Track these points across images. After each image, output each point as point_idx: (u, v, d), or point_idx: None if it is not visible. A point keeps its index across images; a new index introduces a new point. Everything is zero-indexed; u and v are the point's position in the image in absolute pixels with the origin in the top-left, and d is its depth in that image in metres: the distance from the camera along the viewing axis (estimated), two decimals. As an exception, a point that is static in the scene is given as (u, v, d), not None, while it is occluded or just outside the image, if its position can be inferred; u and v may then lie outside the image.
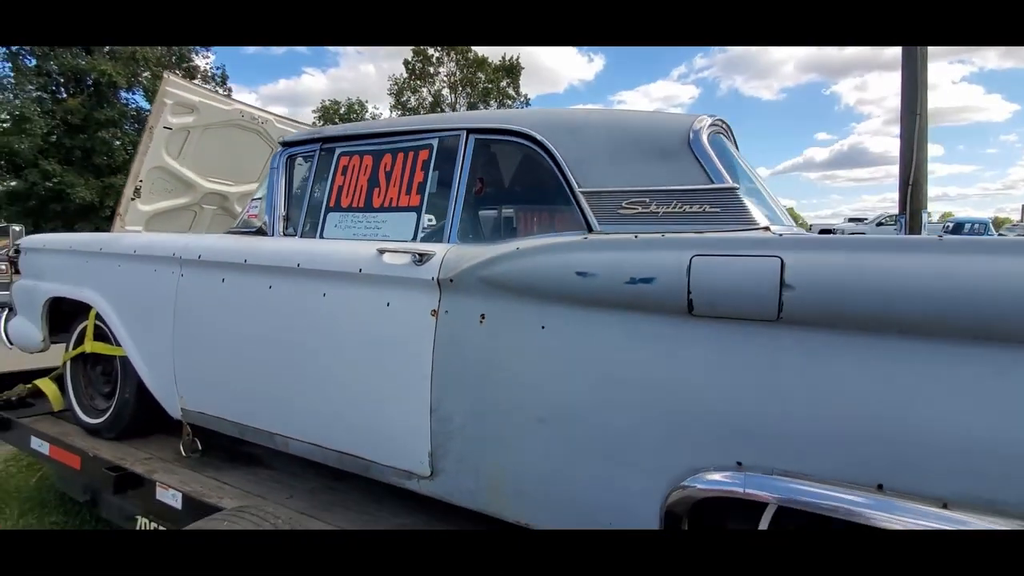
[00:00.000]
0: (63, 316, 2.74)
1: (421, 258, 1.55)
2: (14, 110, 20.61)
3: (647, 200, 1.38)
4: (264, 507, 1.53)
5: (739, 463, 1.12)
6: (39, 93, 22.09)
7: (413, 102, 38.99)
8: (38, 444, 2.43)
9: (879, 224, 20.33)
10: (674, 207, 1.35)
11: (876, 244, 1.05)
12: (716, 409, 1.15)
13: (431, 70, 37.99)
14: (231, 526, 1.35)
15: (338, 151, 1.98)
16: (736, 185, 1.33)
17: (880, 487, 1.01)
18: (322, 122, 42.37)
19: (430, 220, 1.74)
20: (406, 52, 37.63)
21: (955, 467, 0.97)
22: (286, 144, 2.15)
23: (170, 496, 1.90)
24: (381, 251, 1.63)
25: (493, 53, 38.74)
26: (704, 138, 1.39)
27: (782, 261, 1.07)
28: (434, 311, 1.52)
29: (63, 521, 2.67)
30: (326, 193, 1.97)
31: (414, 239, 1.70)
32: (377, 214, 1.83)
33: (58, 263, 2.65)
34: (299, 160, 2.12)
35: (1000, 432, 0.93)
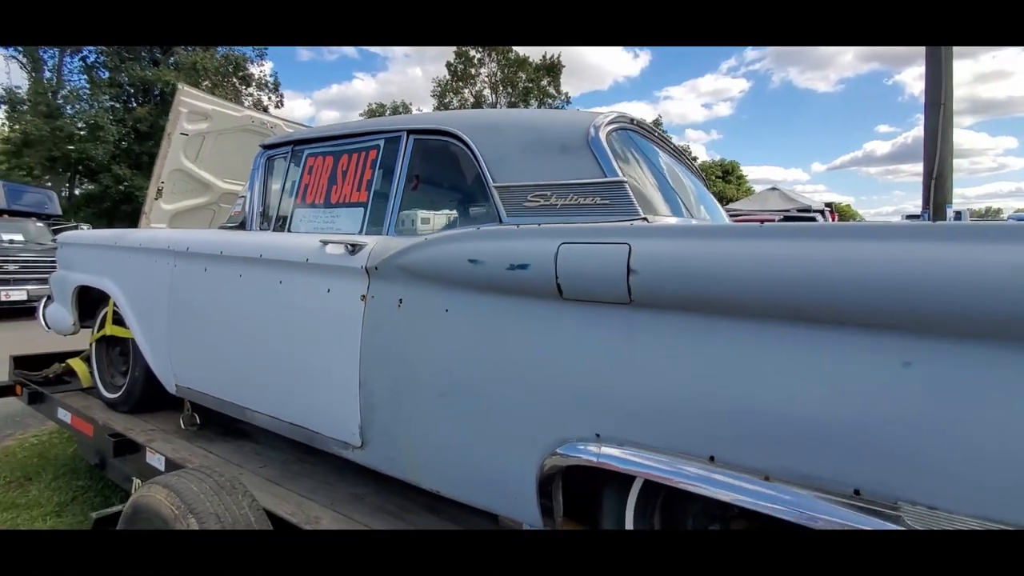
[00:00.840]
0: (91, 303, 3.08)
1: (354, 248, 1.71)
2: (89, 119, 22.42)
3: (548, 193, 1.48)
4: (215, 467, 1.74)
5: (598, 435, 1.22)
6: (112, 103, 23.91)
7: (456, 103, 39.62)
8: (63, 414, 2.76)
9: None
10: (570, 199, 1.45)
11: (711, 231, 1.12)
12: (582, 385, 1.25)
13: (472, 71, 38.47)
14: (178, 481, 1.56)
15: (306, 153, 2.18)
16: (624, 179, 1.41)
17: (712, 459, 1.09)
18: (368, 124, 43.64)
19: (375, 214, 1.90)
20: (451, 54, 38.35)
21: (777, 442, 1.03)
22: (265, 147, 2.36)
23: (156, 460, 2.15)
24: (324, 242, 1.80)
25: (534, 52, 38.86)
26: (602, 135, 1.48)
27: (630, 248, 1.16)
28: (363, 296, 1.67)
29: (87, 485, 3.02)
30: (295, 191, 2.16)
31: (361, 232, 1.87)
32: (333, 209, 2.01)
33: (84, 256, 2.99)
34: (277, 161, 2.33)
35: (813, 410, 0.99)
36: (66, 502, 2.85)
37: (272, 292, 1.94)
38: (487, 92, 39.39)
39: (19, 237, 9.21)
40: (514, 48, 38.24)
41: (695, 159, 54.36)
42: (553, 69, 38.78)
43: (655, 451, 1.15)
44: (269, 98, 28.93)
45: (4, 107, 21.84)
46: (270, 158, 2.34)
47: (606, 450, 1.19)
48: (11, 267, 8.48)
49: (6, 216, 9.62)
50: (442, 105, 39.62)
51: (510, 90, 39.17)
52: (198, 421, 2.62)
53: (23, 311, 8.25)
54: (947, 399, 0.89)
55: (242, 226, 2.35)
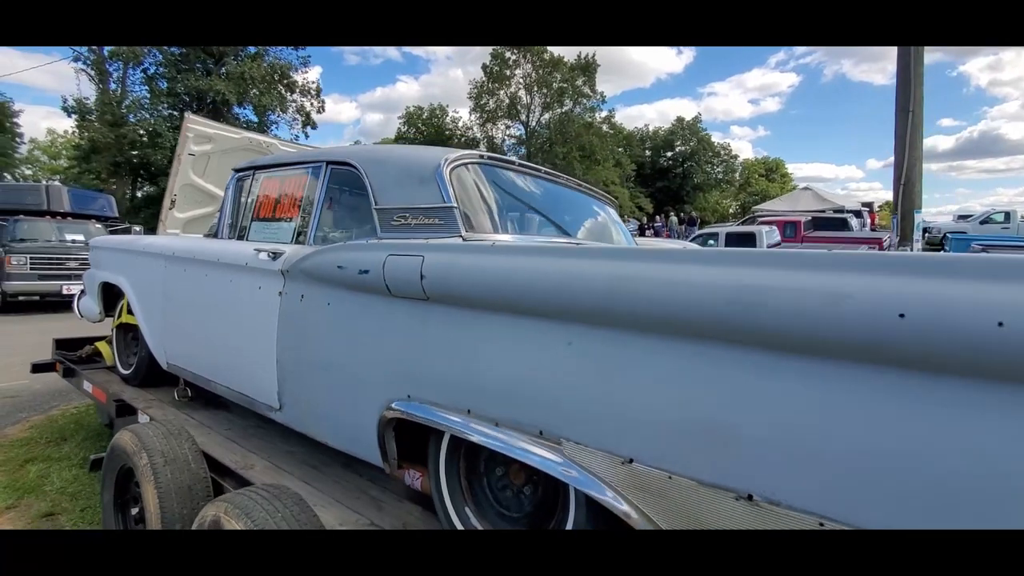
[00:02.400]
0: (114, 296, 3.74)
1: (275, 256, 2.21)
2: (149, 127, 24.30)
3: (407, 215, 1.93)
4: (171, 421, 2.28)
5: (409, 396, 1.66)
6: (170, 111, 25.77)
7: (491, 105, 40.24)
8: (87, 385, 3.41)
9: (983, 223, 18.24)
10: (419, 220, 1.89)
11: (466, 248, 1.55)
12: (401, 360, 1.69)
13: (507, 72, 38.96)
14: (139, 428, 2.10)
15: (263, 176, 2.70)
16: (454, 205, 1.83)
17: (469, 412, 1.51)
18: (406, 127, 44.98)
19: (302, 227, 2.39)
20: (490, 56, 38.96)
21: (501, 398, 1.44)
22: (236, 170, 2.90)
23: (144, 419, 2.73)
24: (257, 250, 2.30)
25: (568, 52, 38.97)
26: (445, 170, 1.91)
27: (423, 259, 1.59)
28: (280, 292, 2.17)
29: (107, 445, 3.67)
30: (252, 207, 2.69)
31: (292, 242, 2.36)
32: (276, 223, 2.52)
33: (107, 257, 3.64)
34: (244, 182, 2.87)
35: (518, 375, 1.40)
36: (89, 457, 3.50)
37: (225, 289, 2.47)
38: (522, 93, 39.82)
39: (80, 237, 10.35)
40: (548, 48, 38.52)
41: (735, 157, 52.90)
42: (588, 68, 38.81)
43: (439, 407, 1.58)
44: (311, 104, 30.39)
45: (75, 116, 23.98)
46: (239, 179, 2.87)
47: (411, 407, 1.63)
48: (72, 264, 9.59)
49: (70, 218, 10.81)
50: (478, 107, 40.34)
51: (545, 91, 39.43)
52: (189, 394, 3.20)
53: (82, 303, 9.32)
54: (591, 367, 1.29)
55: (217, 235, 2.90)
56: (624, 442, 1.22)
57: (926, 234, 23.53)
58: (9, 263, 9.34)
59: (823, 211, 20.68)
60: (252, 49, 27.50)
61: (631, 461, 1.20)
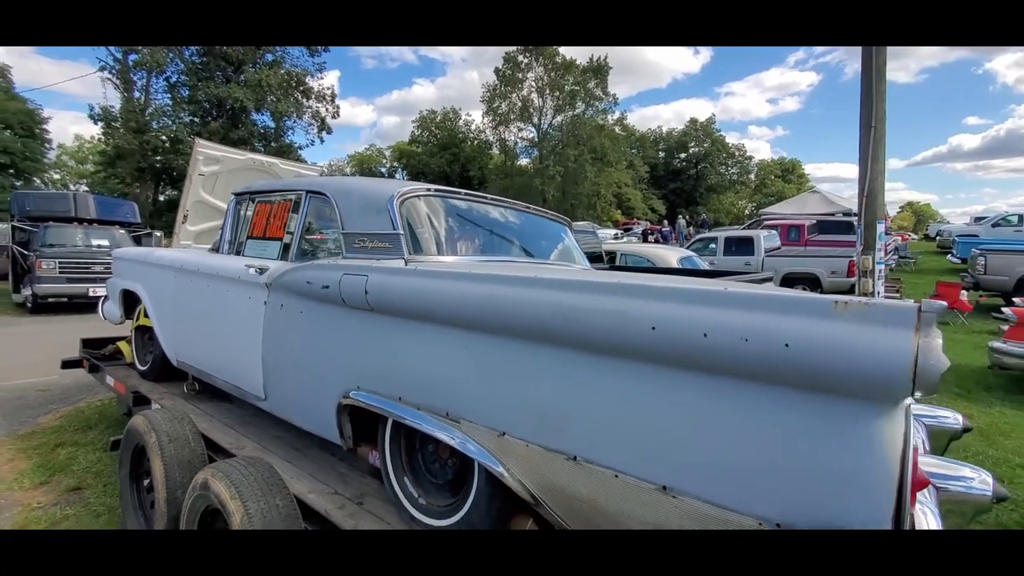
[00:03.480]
0: (132, 302, 4.23)
1: (261, 271, 2.65)
2: (171, 133, 25.24)
3: (365, 239, 2.34)
4: (176, 407, 2.72)
5: (358, 386, 2.07)
6: (191, 118, 26.70)
7: (503, 108, 40.67)
8: (109, 380, 3.90)
9: (994, 225, 18.14)
10: (374, 243, 2.30)
11: (397, 271, 1.96)
12: (352, 358, 2.11)
13: (519, 76, 39.36)
14: (149, 413, 2.54)
15: (257, 200, 3.14)
16: (400, 232, 2.24)
17: (400, 399, 1.92)
18: (420, 130, 45.60)
19: (286, 245, 2.82)
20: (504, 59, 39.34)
21: (420, 387, 1.85)
22: (236, 194, 3.35)
23: (156, 407, 3.19)
24: (248, 266, 2.74)
25: (580, 55, 39.22)
26: (395, 202, 2.31)
27: (367, 278, 2.01)
28: (265, 302, 2.60)
29: (127, 432, 4.16)
30: (247, 227, 3.13)
31: (277, 258, 2.79)
32: (265, 242, 2.96)
33: (127, 267, 4.13)
34: (242, 204, 3.31)
35: (431, 370, 1.80)
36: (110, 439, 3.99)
37: (222, 297, 2.92)
38: (534, 96, 40.16)
39: (105, 242, 11.02)
40: (560, 51, 38.85)
41: (750, 158, 52.68)
42: (600, 71, 39.05)
43: (379, 395, 1.99)
44: (326, 109, 31.15)
45: (101, 123, 25.03)
46: (237, 202, 3.32)
47: (360, 395, 2.05)
48: (98, 268, 10.24)
49: (95, 224, 11.49)
50: (491, 110, 40.83)
51: (557, 93, 39.73)
52: (197, 388, 3.66)
53: (107, 304, 9.96)
54: (479, 363, 1.69)
55: (219, 250, 3.35)
56: (498, 420, 1.61)
57: (938, 236, 23.37)
58: (39, 267, 10.02)
59: (832, 214, 20.68)
60: (269, 57, 28.31)
61: (504, 434, 1.60)
